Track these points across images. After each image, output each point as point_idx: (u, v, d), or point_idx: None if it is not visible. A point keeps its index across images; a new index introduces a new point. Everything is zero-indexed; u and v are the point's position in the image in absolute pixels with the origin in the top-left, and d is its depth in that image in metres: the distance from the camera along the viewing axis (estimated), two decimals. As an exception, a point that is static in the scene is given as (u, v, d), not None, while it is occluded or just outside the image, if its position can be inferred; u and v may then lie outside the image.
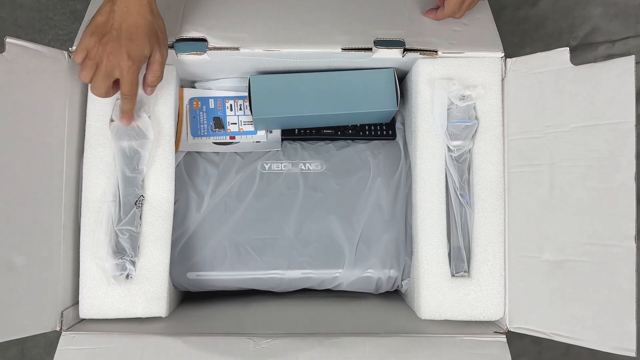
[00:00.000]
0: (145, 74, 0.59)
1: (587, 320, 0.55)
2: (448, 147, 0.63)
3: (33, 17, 0.88)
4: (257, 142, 0.72)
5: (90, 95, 0.63)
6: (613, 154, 0.53)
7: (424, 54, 0.63)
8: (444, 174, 0.63)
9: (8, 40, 0.55)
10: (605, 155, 0.53)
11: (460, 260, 0.62)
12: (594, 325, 0.54)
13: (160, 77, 0.60)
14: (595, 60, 0.89)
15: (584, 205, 0.55)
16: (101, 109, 0.63)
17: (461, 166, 0.62)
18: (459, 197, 0.61)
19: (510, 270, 0.62)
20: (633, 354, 0.51)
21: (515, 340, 0.87)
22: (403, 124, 0.73)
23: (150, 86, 0.61)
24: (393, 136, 0.73)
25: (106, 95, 0.57)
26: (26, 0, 0.89)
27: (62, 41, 0.89)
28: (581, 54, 0.89)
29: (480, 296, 0.62)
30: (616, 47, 0.89)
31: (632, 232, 0.51)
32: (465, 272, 0.62)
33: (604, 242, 0.53)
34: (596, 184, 0.54)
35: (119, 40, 0.54)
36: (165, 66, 0.64)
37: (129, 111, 0.60)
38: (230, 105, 0.72)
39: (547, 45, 0.90)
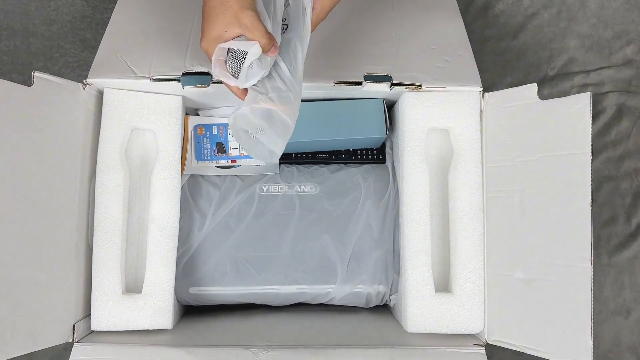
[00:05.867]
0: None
1: (551, 334, 0.60)
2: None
3: (45, 45, 0.94)
4: (256, 165, 0.77)
5: (103, 125, 0.68)
6: (573, 182, 0.58)
7: (410, 88, 0.69)
8: (428, 199, 0.68)
9: (36, 74, 0.60)
10: (566, 183, 0.59)
11: None
12: (557, 339, 0.59)
13: (262, 38, 0.53)
14: (571, 88, 0.95)
15: (548, 228, 0.60)
16: (112, 137, 0.68)
17: None
18: None
19: (489, 287, 0.67)
20: None
21: (497, 353, 0.91)
22: (392, 149, 0.79)
23: (266, 52, 0.54)
24: (383, 160, 0.79)
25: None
26: (38, 29, 0.94)
27: (72, 68, 0.94)
28: (559, 83, 0.95)
29: (461, 311, 0.67)
30: (591, 77, 0.95)
31: (588, 254, 0.56)
32: None
33: (564, 262, 0.58)
34: (558, 210, 0.59)
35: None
36: (172, 96, 0.70)
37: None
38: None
39: (527, 74, 0.96)
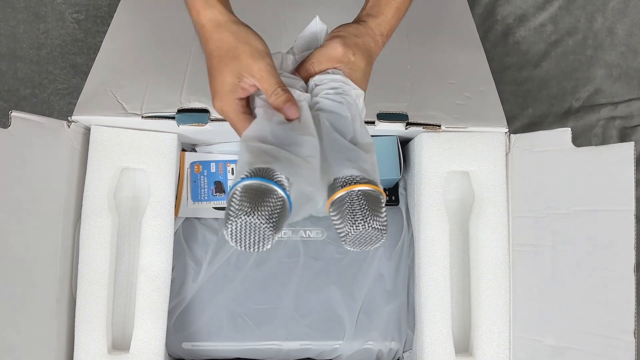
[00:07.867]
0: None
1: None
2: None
3: (33, 70, 0.88)
4: (257, 207, 0.70)
5: (90, 165, 0.62)
6: (612, 242, 0.52)
7: (427, 128, 0.62)
8: (448, 250, 0.62)
9: (13, 114, 0.54)
10: (604, 242, 0.52)
11: None
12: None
13: (274, 91, 0.45)
14: (597, 121, 0.89)
15: (583, 292, 0.54)
16: (99, 178, 0.62)
17: None
18: None
19: (514, 352, 0.61)
20: None
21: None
22: (406, 189, 0.73)
23: (280, 108, 0.45)
24: (396, 202, 0.72)
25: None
26: (26, 53, 0.88)
27: (61, 95, 0.88)
28: (584, 115, 0.89)
29: (484, 377, 0.61)
30: (619, 109, 0.89)
31: (632, 326, 0.50)
32: None
33: (603, 333, 0.52)
34: (595, 272, 0.53)
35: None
36: (167, 134, 0.64)
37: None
38: (232, 168, 0.71)
39: (550, 106, 0.89)
